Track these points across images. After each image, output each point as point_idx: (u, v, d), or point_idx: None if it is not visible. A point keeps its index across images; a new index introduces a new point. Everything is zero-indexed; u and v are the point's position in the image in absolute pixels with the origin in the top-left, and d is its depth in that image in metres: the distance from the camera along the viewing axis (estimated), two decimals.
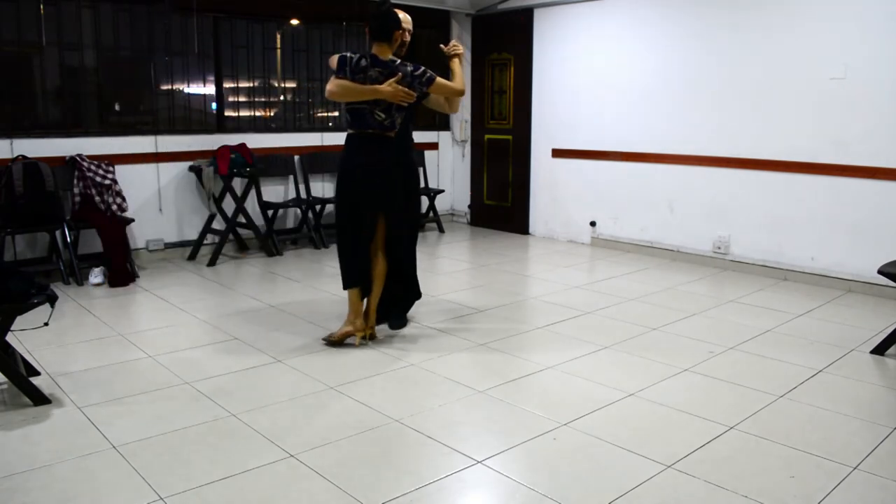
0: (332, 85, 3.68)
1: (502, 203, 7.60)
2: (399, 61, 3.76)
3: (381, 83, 3.67)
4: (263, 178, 6.40)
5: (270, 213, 6.34)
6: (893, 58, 4.78)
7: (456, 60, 3.95)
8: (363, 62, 3.69)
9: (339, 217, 3.93)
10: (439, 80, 3.80)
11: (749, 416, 3.01)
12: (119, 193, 5.40)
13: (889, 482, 2.49)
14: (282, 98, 6.92)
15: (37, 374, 3.36)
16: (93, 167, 5.31)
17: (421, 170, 7.40)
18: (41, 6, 5.34)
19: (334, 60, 3.74)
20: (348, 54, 3.72)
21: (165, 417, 2.96)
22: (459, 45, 4.01)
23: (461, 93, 3.93)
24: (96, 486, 2.44)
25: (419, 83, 3.76)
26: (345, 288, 3.96)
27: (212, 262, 5.86)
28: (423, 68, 3.78)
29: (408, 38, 3.95)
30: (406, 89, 3.70)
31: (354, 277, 3.92)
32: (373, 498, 2.36)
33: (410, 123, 4.08)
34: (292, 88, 6.94)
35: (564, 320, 4.38)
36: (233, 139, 6.14)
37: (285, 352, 3.77)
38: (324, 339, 3.91)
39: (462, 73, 3.93)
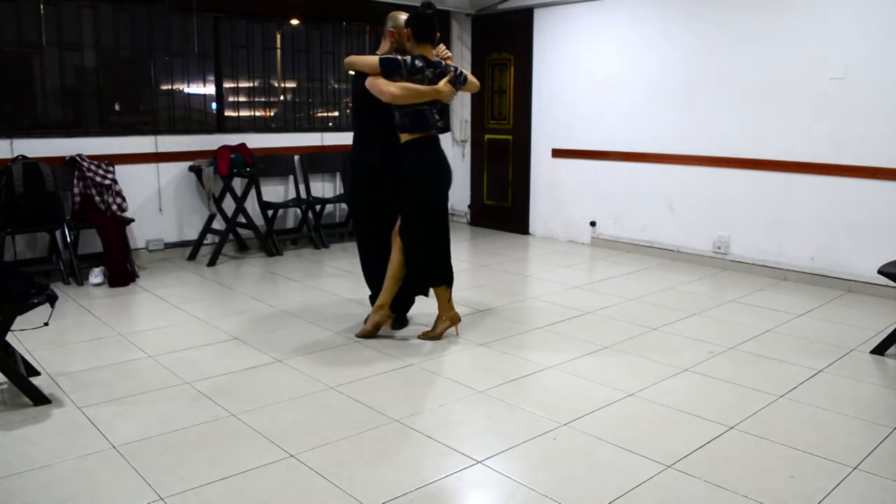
0: (394, 88, 3.60)
1: (502, 203, 7.60)
2: (443, 62, 3.83)
3: (435, 84, 3.73)
4: (263, 178, 6.40)
5: (270, 213, 6.34)
6: (893, 58, 4.78)
7: (449, 62, 3.99)
8: (418, 63, 3.69)
9: (423, 219, 3.86)
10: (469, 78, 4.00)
11: (749, 416, 3.01)
12: (119, 193, 5.40)
13: (889, 482, 2.49)
14: (282, 98, 6.92)
15: (37, 374, 3.36)
16: (93, 167, 5.31)
17: None
18: (41, 6, 5.34)
19: (372, 62, 3.65)
20: (398, 57, 3.68)
21: (165, 417, 2.97)
22: (446, 49, 4.02)
23: (478, 87, 4.15)
24: (96, 486, 2.44)
25: (458, 83, 3.89)
26: (436, 286, 3.95)
27: (212, 262, 5.86)
28: (459, 68, 3.93)
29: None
30: (453, 88, 3.82)
31: (447, 272, 3.98)
32: (373, 498, 2.36)
33: None
34: (292, 88, 6.94)
35: (564, 320, 4.38)
36: (233, 139, 6.14)
37: (285, 352, 3.77)
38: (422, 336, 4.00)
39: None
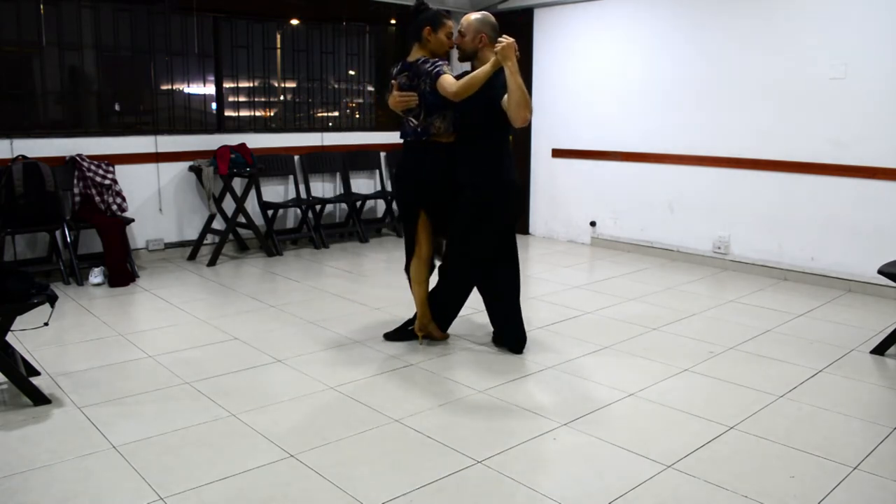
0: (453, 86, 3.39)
1: None
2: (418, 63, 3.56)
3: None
4: (263, 178, 6.40)
5: (270, 213, 6.34)
6: (893, 58, 4.78)
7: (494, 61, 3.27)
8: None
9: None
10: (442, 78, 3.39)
11: (749, 416, 3.01)
12: (119, 193, 5.40)
13: (889, 482, 2.49)
14: (282, 98, 6.92)
15: (37, 374, 3.36)
16: (93, 167, 5.31)
17: None
18: (41, 6, 5.34)
19: (477, 74, 3.36)
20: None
21: (165, 417, 2.97)
22: (503, 39, 3.22)
23: (452, 94, 3.35)
24: (96, 486, 2.44)
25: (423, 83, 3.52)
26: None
27: (212, 262, 5.86)
28: (430, 62, 3.50)
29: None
30: (404, 94, 3.58)
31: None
32: (373, 498, 2.36)
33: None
34: (292, 88, 6.94)
35: (564, 320, 4.38)
36: (233, 139, 6.14)
37: (285, 352, 3.77)
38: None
39: (479, 76, 3.31)
